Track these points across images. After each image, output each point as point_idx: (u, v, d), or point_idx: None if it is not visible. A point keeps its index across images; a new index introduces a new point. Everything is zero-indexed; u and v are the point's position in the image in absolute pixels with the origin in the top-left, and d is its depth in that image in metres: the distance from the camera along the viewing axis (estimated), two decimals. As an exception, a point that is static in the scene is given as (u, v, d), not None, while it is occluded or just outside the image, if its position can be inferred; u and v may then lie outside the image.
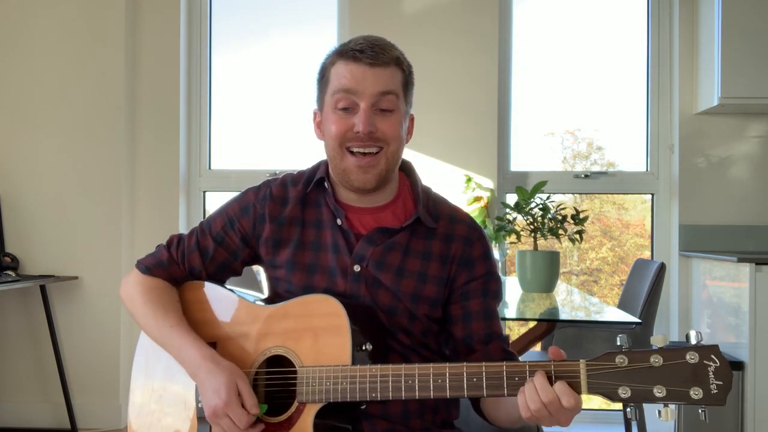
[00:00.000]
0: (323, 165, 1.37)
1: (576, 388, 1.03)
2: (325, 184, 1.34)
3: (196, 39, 3.71)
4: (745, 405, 2.83)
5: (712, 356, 0.99)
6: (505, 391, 1.07)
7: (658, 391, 0.99)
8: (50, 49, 3.51)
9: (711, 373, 0.98)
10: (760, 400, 2.81)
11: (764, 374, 2.81)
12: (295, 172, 1.41)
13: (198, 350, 1.26)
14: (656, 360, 1.00)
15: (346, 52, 1.27)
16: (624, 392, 1.00)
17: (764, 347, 2.80)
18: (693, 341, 1.00)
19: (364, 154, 1.26)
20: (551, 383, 1.04)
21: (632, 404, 1.02)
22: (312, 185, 1.36)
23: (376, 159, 1.27)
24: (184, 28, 3.66)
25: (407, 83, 1.31)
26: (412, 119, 1.36)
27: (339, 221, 1.32)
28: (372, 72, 1.25)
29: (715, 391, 0.98)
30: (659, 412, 1.01)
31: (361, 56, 1.25)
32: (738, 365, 2.85)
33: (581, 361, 1.04)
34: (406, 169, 1.41)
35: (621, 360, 1.01)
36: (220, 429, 1.20)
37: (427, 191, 1.38)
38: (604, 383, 1.02)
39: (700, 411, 1.00)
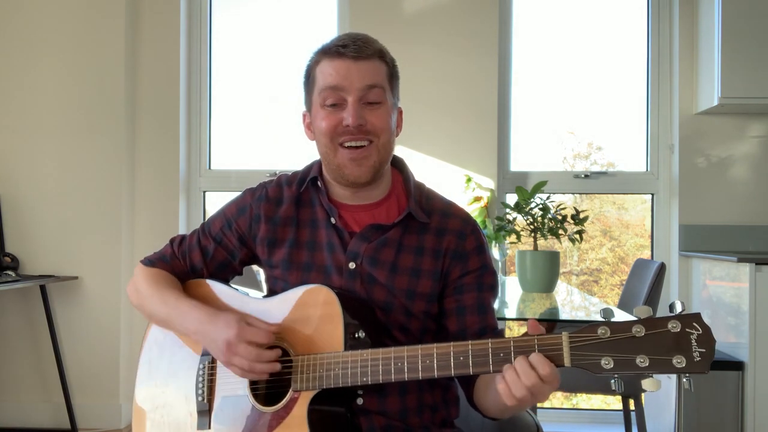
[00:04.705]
0: (316, 165, 1.39)
1: (559, 361, 1.03)
2: (319, 183, 1.35)
3: (196, 39, 3.71)
4: (745, 405, 2.83)
5: (695, 324, 0.98)
6: (491, 368, 1.08)
7: (641, 361, 0.99)
8: (50, 49, 3.51)
9: (694, 341, 0.98)
10: (760, 400, 2.81)
11: (764, 374, 2.81)
12: (290, 173, 1.42)
13: (201, 310, 1.29)
14: (638, 330, 1.00)
15: (329, 50, 1.28)
16: (606, 363, 1.00)
17: (764, 347, 2.80)
18: (678, 310, 1.00)
19: (356, 147, 1.27)
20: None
21: (616, 375, 1.01)
22: (306, 185, 1.37)
23: (368, 151, 1.27)
24: (184, 28, 3.66)
25: (392, 76, 1.32)
26: (400, 112, 1.37)
27: (333, 220, 1.33)
28: (356, 66, 1.26)
29: (698, 359, 0.97)
30: (644, 383, 1.00)
31: (344, 51, 1.26)
32: (738, 365, 2.85)
33: (564, 333, 1.04)
34: (399, 166, 1.42)
35: (603, 331, 1.01)
36: (239, 361, 1.20)
37: (420, 186, 1.39)
38: (587, 355, 1.01)
39: (684, 380, 0.99)
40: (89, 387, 3.47)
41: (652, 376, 0.99)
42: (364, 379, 1.15)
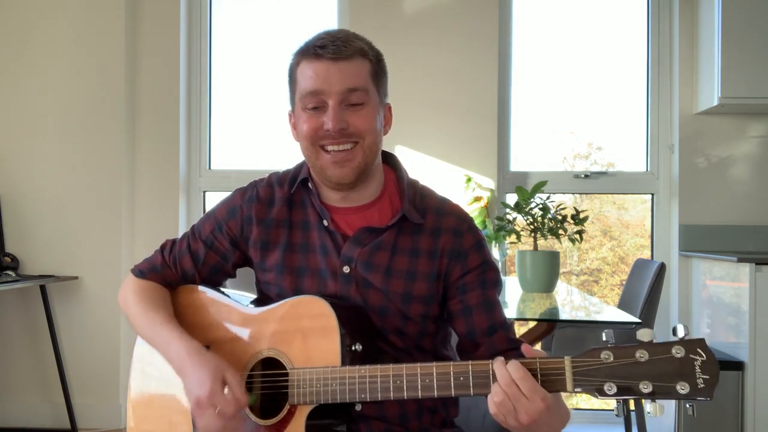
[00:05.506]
0: (306, 165, 1.35)
1: (562, 386, 1.02)
2: (309, 185, 1.33)
3: (196, 39, 3.71)
4: (745, 405, 2.83)
5: (699, 350, 0.97)
6: (491, 389, 1.06)
7: (645, 387, 0.98)
8: (50, 49, 3.51)
9: (698, 368, 0.96)
10: (760, 400, 2.81)
11: (764, 374, 2.81)
12: (281, 172, 1.39)
13: (184, 345, 1.24)
14: (642, 355, 0.99)
15: (308, 50, 1.24)
16: (610, 388, 0.99)
17: (764, 347, 2.80)
18: (680, 335, 0.98)
19: (339, 151, 1.24)
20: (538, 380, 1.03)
21: (620, 400, 1.01)
22: (296, 186, 1.34)
23: (351, 153, 1.24)
24: (184, 28, 3.65)
25: (377, 73, 1.27)
26: (389, 109, 1.33)
27: (325, 222, 1.30)
28: (336, 67, 1.21)
29: (702, 386, 0.96)
30: (647, 406, 0.99)
31: (322, 52, 1.22)
32: (738, 365, 2.85)
33: (566, 357, 1.02)
34: (391, 163, 1.37)
35: (606, 356, 1.00)
36: (205, 422, 1.17)
37: (413, 185, 1.35)
38: (590, 380, 1.00)
39: (687, 406, 0.98)
40: (89, 387, 3.47)
41: (655, 401, 0.99)
42: (362, 395, 1.13)
